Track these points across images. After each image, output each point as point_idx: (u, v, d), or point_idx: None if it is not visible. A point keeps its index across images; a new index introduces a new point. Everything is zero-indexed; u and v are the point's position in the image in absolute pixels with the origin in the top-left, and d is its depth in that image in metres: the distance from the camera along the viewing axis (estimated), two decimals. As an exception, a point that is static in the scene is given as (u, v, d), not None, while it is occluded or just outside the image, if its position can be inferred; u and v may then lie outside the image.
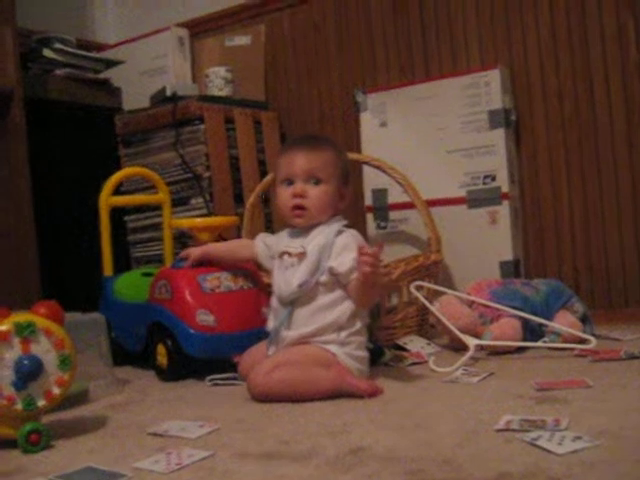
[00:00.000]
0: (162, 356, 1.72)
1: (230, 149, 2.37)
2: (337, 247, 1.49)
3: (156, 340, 1.75)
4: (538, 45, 2.19)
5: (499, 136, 2.16)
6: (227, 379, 1.62)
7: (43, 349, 1.20)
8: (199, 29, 2.83)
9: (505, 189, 2.15)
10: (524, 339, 1.75)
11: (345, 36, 2.54)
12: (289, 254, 1.54)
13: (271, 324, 1.56)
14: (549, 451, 0.98)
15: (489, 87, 2.17)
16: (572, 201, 2.17)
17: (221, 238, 1.93)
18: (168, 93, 2.37)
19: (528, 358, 1.68)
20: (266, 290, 1.77)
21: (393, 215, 2.33)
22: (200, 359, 1.70)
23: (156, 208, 2.30)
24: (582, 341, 1.70)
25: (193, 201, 2.31)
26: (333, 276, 1.48)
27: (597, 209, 2.13)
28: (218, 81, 2.51)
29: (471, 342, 1.66)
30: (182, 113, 2.31)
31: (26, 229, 2.18)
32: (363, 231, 2.32)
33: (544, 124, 2.20)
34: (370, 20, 2.49)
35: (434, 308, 1.80)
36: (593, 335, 1.72)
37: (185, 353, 1.67)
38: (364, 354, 1.52)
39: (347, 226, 1.55)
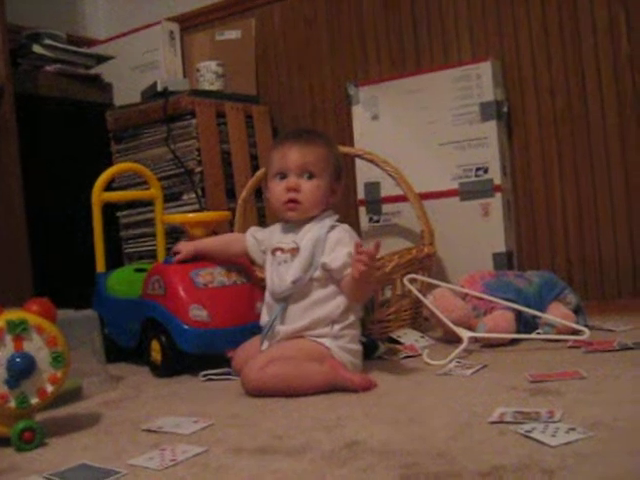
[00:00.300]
0: (156, 352, 1.72)
1: (222, 144, 2.36)
2: (330, 242, 1.49)
3: (150, 336, 1.74)
4: (530, 37, 2.19)
5: (491, 128, 2.16)
6: (221, 374, 1.62)
7: (36, 346, 1.19)
8: (189, 23, 2.82)
9: (497, 181, 2.15)
10: (517, 331, 1.75)
11: (336, 29, 2.54)
12: (282, 250, 1.54)
13: (265, 319, 1.56)
14: (543, 443, 0.98)
15: (480, 79, 2.17)
16: (564, 193, 2.17)
17: (214, 233, 1.92)
18: (159, 88, 2.36)
19: (522, 350, 1.68)
20: (259, 285, 1.77)
21: (386, 208, 2.33)
22: (194, 354, 1.70)
23: (148, 204, 2.29)
24: (575, 332, 1.70)
25: (185, 196, 2.30)
26: (326, 272, 1.48)
27: (590, 201, 2.13)
28: (209, 75, 2.51)
29: (465, 334, 1.67)
30: (173, 108, 2.31)
31: (18, 226, 2.17)
32: (356, 225, 2.32)
33: (536, 116, 2.20)
34: (361, 13, 2.48)
35: (428, 301, 1.80)
36: (586, 326, 1.72)
37: (179, 349, 1.67)
38: (358, 347, 1.52)
39: (339, 220, 1.56)
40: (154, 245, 2.21)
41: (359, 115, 2.38)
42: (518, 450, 0.97)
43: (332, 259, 1.47)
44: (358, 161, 2.28)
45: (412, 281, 1.84)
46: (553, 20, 2.15)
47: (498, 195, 2.15)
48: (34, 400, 1.19)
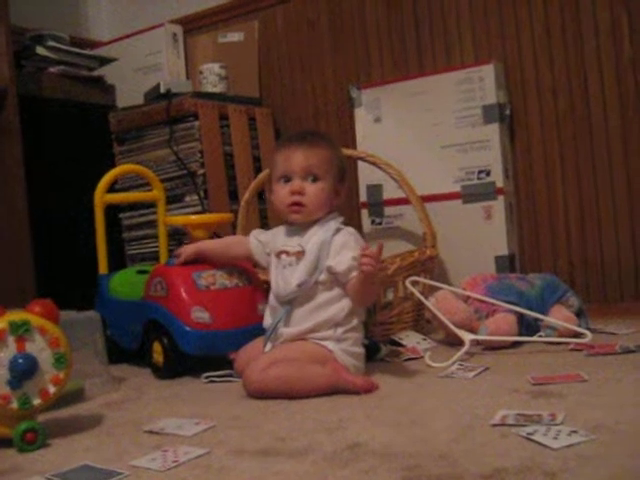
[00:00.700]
0: (158, 354, 1.72)
1: (224, 146, 2.37)
2: (335, 246, 1.50)
3: (152, 338, 1.74)
4: (532, 40, 2.19)
5: (493, 131, 2.16)
6: (223, 376, 1.62)
7: (38, 347, 1.19)
8: (192, 26, 2.83)
9: (500, 184, 2.15)
10: (519, 334, 1.75)
11: (339, 32, 2.54)
12: (287, 253, 1.54)
13: (268, 321, 1.56)
14: (545, 445, 0.98)
15: (483, 82, 2.17)
16: (567, 195, 2.17)
17: (216, 235, 1.93)
18: (162, 90, 2.36)
19: (524, 353, 1.68)
20: (261, 287, 1.77)
21: (388, 211, 2.33)
22: (196, 356, 1.70)
23: (151, 205, 2.30)
24: (577, 335, 1.70)
25: (188, 198, 2.30)
26: (332, 275, 1.49)
27: (592, 203, 2.13)
28: (212, 78, 2.51)
29: (467, 337, 1.67)
30: (176, 110, 2.31)
31: (21, 227, 2.17)
32: (358, 227, 2.32)
33: (538, 119, 2.20)
34: (364, 15, 2.48)
35: (430, 303, 1.80)
36: (588, 329, 1.72)
37: (181, 350, 1.67)
38: (360, 350, 1.52)
39: (344, 223, 1.56)
40: (156, 247, 2.21)
41: (361, 117, 2.38)
42: (520, 453, 0.97)
43: (337, 262, 1.47)
44: (360, 163, 2.28)
45: (414, 283, 1.84)
46: (555, 22, 2.15)
47: (500, 198, 2.15)
48: (36, 401, 1.19)
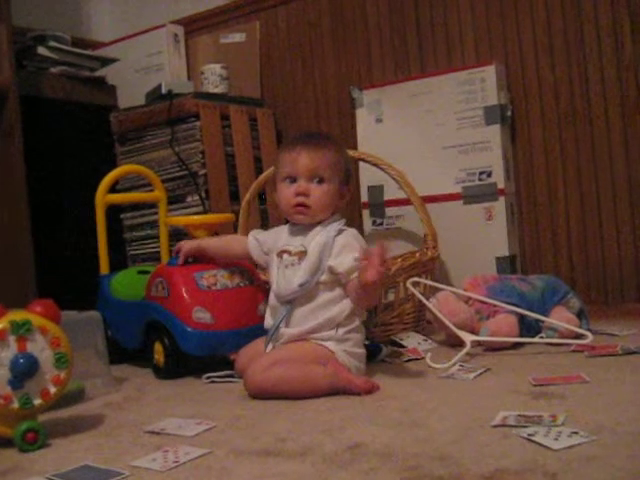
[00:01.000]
0: (159, 354, 1.72)
1: (226, 146, 2.37)
2: (337, 246, 1.50)
3: (153, 338, 1.75)
4: (534, 41, 2.19)
5: (495, 132, 2.16)
6: (224, 377, 1.62)
7: (39, 347, 1.20)
8: (194, 26, 2.83)
9: (501, 185, 2.15)
10: (520, 335, 1.75)
11: (340, 32, 2.54)
12: (289, 253, 1.55)
13: (269, 322, 1.56)
14: (546, 446, 0.98)
15: (485, 83, 2.17)
16: (568, 197, 2.17)
17: (217, 235, 1.93)
18: (163, 90, 2.36)
19: (525, 354, 1.68)
20: (263, 287, 1.77)
21: (389, 212, 2.33)
22: (197, 357, 1.70)
23: (152, 206, 2.30)
24: (578, 336, 1.70)
25: (189, 198, 2.30)
26: (333, 275, 1.49)
27: (593, 205, 2.13)
28: (213, 78, 2.51)
29: (468, 338, 1.67)
30: (178, 110, 2.31)
31: (22, 227, 2.17)
32: (359, 228, 2.32)
33: (540, 120, 2.20)
34: (365, 16, 2.48)
35: (431, 304, 1.80)
36: (589, 330, 1.72)
37: (182, 351, 1.67)
38: (361, 351, 1.52)
39: (346, 224, 1.56)
40: (158, 247, 2.22)
41: (363, 118, 2.38)
42: (521, 453, 0.97)
43: (339, 263, 1.47)
44: (362, 164, 2.28)
45: (415, 284, 1.84)
46: (557, 23, 2.15)
47: (501, 199, 2.15)
48: (37, 401, 1.19)
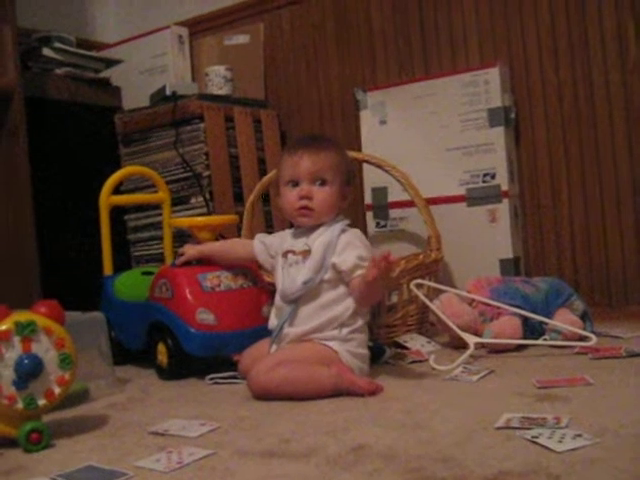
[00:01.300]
0: (162, 355, 1.73)
1: (230, 148, 2.37)
2: (341, 244, 1.51)
3: (156, 339, 1.75)
4: (538, 43, 2.19)
5: (499, 134, 2.16)
6: (227, 378, 1.62)
7: (43, 348, 1.20)
8: (198, 28, 2.83)
9: (505, 187, 2.15)
10: (524, 337, 1.75)
11: (344, 34, 2.54)
12: (293, 252, 1.56)
13: (273, 322, 1.56)
14: (549, 449, 0.98)
15: (488, 85, 2.17)
16: (572, 199, 2.17)
17: (221, 237, 1.93)
18: (168, 92, 2.37)
19: (528, 356, 1.68)
20: (266, 289, 1.77)
21: (393, 213, 2.33)
22: (200, 358, 1.70)
23: (156, 207, 2.30)
24: (582, 339, 1.70)
25: (193, 200, 2.31)
26: (336, 273, 1.50)
27: (597, 207, 2.13)
28: (218, 80, 2.51)
29: (471, 340, 1.67)
30: (182, 112, 2.31)
31: (26, 228, 2.18)
32: (363, 229, 2.32)
33: (544, 122, 2.20)
34: (369, 18, 2.48)
35: (434, 306, 1.80)
36: (593, 333, 1.72)
37: (185, 352, 1.68)
38: (365, 352, 1.53)
39: (349, 225, 1.57)
40: (162, 248, 2.22)
41: (367, 120, 2.38)
42: (524, 456, 0.97)
43: (342, 261, 1.49)
44: (365, 166, 2.28)
45: (419, 286, 1.84)
46: (561, 26, 2.15)
47: (505, 201, 2.15)
48: (42, 401, 1.19)
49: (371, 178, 2.34)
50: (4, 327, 1.17)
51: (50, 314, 1.23)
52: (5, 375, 1.16)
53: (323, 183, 1.55)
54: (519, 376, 1.46)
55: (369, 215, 2.38)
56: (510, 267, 2.14)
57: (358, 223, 2.30)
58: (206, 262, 1.76)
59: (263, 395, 1.41)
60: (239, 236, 2.14)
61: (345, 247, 1.50)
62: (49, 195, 2.34)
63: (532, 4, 2.19)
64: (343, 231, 1.54)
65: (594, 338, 1.67)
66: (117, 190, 2.07)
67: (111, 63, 2.70)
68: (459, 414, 1.21)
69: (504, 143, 2.15)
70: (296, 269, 1.53)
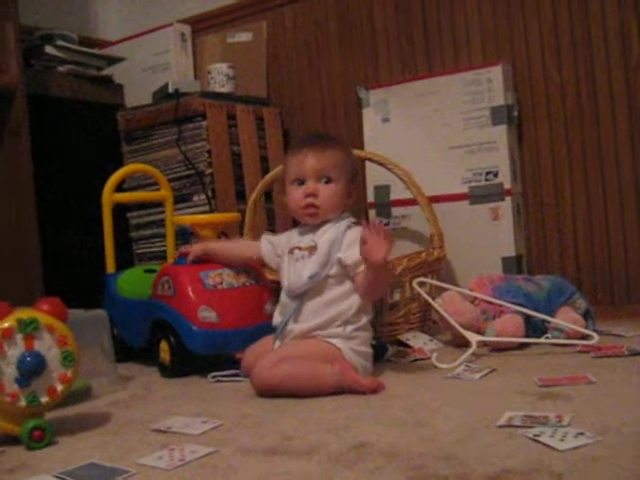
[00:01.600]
0: (165, 352, 1.73)
1: (232, 145, 2.37)
2: (346, 240, 1.53)
3: (159, 337, 1.75)
4: (540, 42, 2.19)
5: (501, 132, 2.16)
6: (230, 376, 1.62)
7: (46, 346, 1.20)
8: (201, 25, 2.83)
9: (507, 185, 2.15)
10: (526, 335, 1.75)
11: (347, 32, 2.54)
12: (299, 248, 1.57)
13: (277, 319, 1.56)
14: (551, 447, 0.98)
15: (491, 83, 2.17)
16: (574, 197, 2.17)
17: (223, 234, 1.93)
18: (170, 90, 2.36)
19: (530, 354, 1.68)
20: (269, 287, 1.77)
21: (395, 211, 2.33)
22: (203, 356, 1.70)
23: (158, 205, 2.30)
24: (585, 337, 1.70)
25: (195, 198, 2.31)
26: (342, 268, 1.51)
27: (599, 205, 2.13)
28: (220, 77, 2.51)
29: (473, 338, 1.67)
30: (184, 110, 2.31)
31: (29, 226, 2.18)
32: (365, 227, 2.32)
33: (546, 120, 2.20)
34: (372, 16, 2.48)
35: (437, 304, 1.80)
36: (595, 331, 1.72)
37: (187, 349, 1.68)
38: (368, 350, 1.53)
39: (355, 223, 1.57)
40: (164, 246, 2.22)
41: (369, 118, 2.38)
42: (526, 454, 0.97)
43: (347, 255, 1.50)
44: (368, 164, 2.28)
45: (421, 284, 1.84)
46: (564, 24, 2.15)
47: (508, 199, 2.15)
48: (44, 399, 1.19)
49: (374, 176, 2.34)
50: (6, 324, 1.18)
51: (53, 311, 1.23)
52: (8, 372, 1.17)
53: (328, 181, 1.56)
54: (521, 374, 1.46)
55: (372, 213, 2.37)
56: (512, 265, 2.14)
57: (361, 221, 2.30)
58: (209, 260, 1.76)
59: (266, 391, 1.42)
60: (241, 234, 2.14)
61: (351, 243, 1.51)
62: (52, 193, 2.34)
63: (535, 2, 2.19)
64: (349, 227, 1.55)
65: (596, 336, 1.67)
66: (119, 188, 2.07)
67: (113, 61, 2.70)
68: (461, 412, 1.21)
69: (507, 141, 2.15)
70: (302, 264, 1.54)
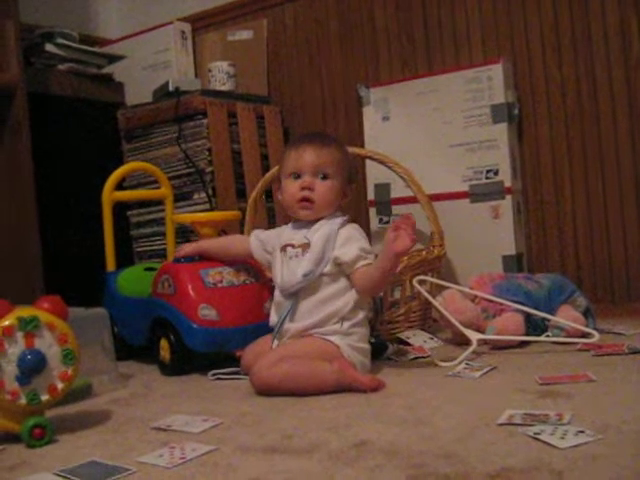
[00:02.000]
0: (165, 351, 1.73)
1: (232, 144, 2.37)
2: (341, 238, 1.52)
3: (159, 335, 1.75)
4: (541, 39, 2.19)
5: (502, 130, 2.16)
6: (230, 374, 1.62)
7: (46, 344, 1.20)
8: (201, 24, 2.83)
9: (508, 183, 2.15)
10: (527, 333, 1.75)
11: (347, 30, 2.54)
12: (292, 245, 1.56)
13: (274, 319, 1.56)
14: (552, 445, 0.98)
15: (492, 81, 2.17)
16: (575, 195, 2.17)
17: (223, 233, 1.93)
18: (171, 88, 2.37)
19: (531, 352, 1.68)
20: (269, 285, 1.77)
21: (396, 209, 2.33)
22: (203, 354, 1.70)
23: (159, 203, 2.30)
24: (585, 335, 1.70)
25: (195, 196, 2.31)
26: (337, 266, 1.50)
27: (600, 203, 2.13)
28: (220, 76, 2.51)
29: (474, 336, 1.67)
30: (185, 108, 2.31)
31: (29, 224, 2.18)
32: (366, 225, 2.32)
33: (547, 118, 2.20)
34: (373, 14, 2.48)
35: (437, 302, 1.80)
36: (596, 329, 1.72)
37: (188, 348, 1.68)
38: (366, 346, 1.53)
39: (349, 220, 1.57)
40: (164, 244, 2.22)
41: (370, 116, 2.38)
42: (527, 452, 0.97)
43: (343, 253, 1.50)
44: (368, 162, 2.28)
45: (421, 282, 1.84)
46: (564, 22, 2.15)
47: (508, 197, 2.15)
48: (44, 397, 1.19)
49: (374, 174, 2.34)
50: (7, 323, 1.18)
51: (53, 310, 1.23)
52: (8, 370, 1.16)
53: (325, 177, 1.55)
54: (521, 372, 1.46)
55: (372, 211, 2.37)
56: (513, 263, 2.14)
57: (361, 219, 2.31)
58: (204, 258, 1.76)
59: (265, 391, 1.42)
60: (242, 232, 2.14)
61: (346, 240, 1.51)
62: (52, 191, 2.34)
63: (535, 0, 2.19)
64: (343, 225, 1.54)
65: (597, 335, 1.67)
66: (120, 186, 2.07)
67: (114, 59, 2.70)
68: (461, 410, 1.21)
69: (507, 139, 2.15)
70: (296, 262, 1.53)
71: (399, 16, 2.43)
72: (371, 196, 2.37)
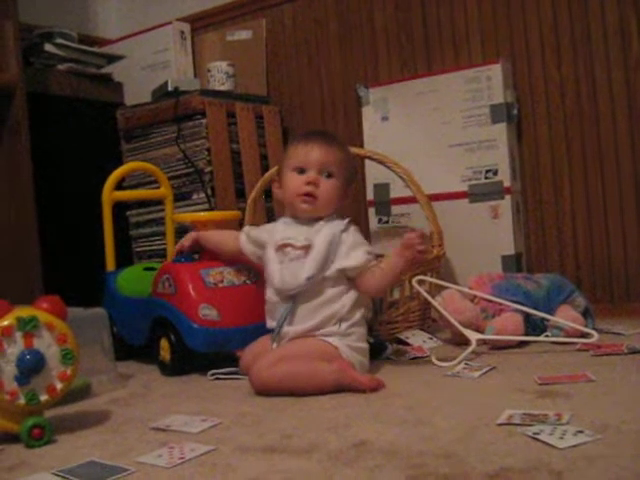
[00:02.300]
0: (165, 351, 1.73)
1: (232, 144, 2.37)
2: (346, 245, 1.52)
3: (159, 335, 1.75)
4: (540, 39, 2.19)
5: (501, 130, 2.16)
6: (229, 374, 1.62)
7: (45, 344, 1.20)
8: (200, 24, 2.83)
9: (507, 183, 2.15)
10: (526, 333, 1.75)
11: (347, 30, 2.54)
12: (292, 246, 1.55)
13: (269, 321, 1.56)
14: (551, 445, 0.98)
15: (491, 81, 2.17)
16: (574, 195, 2.17)
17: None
18: (170, 88, 2.37)
19: (530, 352, 1.68)
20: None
21: (395, 209, 2.33)
22: (203, 354, 1.70)
23: (158, 203, 2.30)
24: (584, 335, 1.70)
25: (195, 196, 2.31)
26: (341, 271, 1.50)
27: (599, 204, 2.13)
28: (220, 76, 2.51)
29: (473, 336, 1.67)
30: (184, 108, 2.31)
31: (28, 224, 2.18)
32: (365, 226, 2.32)
33: (546, 119, 2.20)
34: (372, 14, 2.48)
35: (436, 302, 1.80)
36: (595, 329, 1.72)
37: (188, 347, 1.68)
38: (365, 345, 1.53)
39: (349, 222, 1.57)
40: (164, 244, 2.22)
41: (369, 116, 2.38)
42: (526, 452, 0.97)
43: (352, 260, 1.50)
44: (367, 162, 2.28)
45: (421, 282, 1.84)
46: (564, 23, 2.15)
47: (507, 197, 2.15)
48: (43, 397, 1.19)
49: (373, 174, 2.34)
50: (6, 322, 1.17)
51: (52, 310, 1.23)
52: (7, 370, 1.16)
53: (329, 176, 1.56)
54: (521, 372, 1.46)
55: (371, 211, 2.37)
56: (512, 263, 2.14)
57: (360, 219, 2.31)
58: (201, 250, 1.78)
59: (265, 391, 1.41)
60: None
61: (352, 247, 1.51)
62: (51, 191, 2.34)
63: (534, 0, 2.19)
64: (346, 230, 1.54)
65: (596, 335, 1.67)
66: (119, 186, 2.07)
67: (113, 59, 2.70)
68: (461, 410, 1.21)
69: (506, 139, 2.15)
70: (298, 264, 1.52)
71: (398, 16, 2.43)
72: (370, 196, 2.37)
